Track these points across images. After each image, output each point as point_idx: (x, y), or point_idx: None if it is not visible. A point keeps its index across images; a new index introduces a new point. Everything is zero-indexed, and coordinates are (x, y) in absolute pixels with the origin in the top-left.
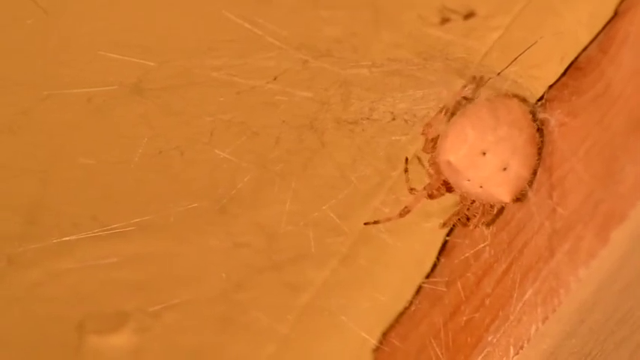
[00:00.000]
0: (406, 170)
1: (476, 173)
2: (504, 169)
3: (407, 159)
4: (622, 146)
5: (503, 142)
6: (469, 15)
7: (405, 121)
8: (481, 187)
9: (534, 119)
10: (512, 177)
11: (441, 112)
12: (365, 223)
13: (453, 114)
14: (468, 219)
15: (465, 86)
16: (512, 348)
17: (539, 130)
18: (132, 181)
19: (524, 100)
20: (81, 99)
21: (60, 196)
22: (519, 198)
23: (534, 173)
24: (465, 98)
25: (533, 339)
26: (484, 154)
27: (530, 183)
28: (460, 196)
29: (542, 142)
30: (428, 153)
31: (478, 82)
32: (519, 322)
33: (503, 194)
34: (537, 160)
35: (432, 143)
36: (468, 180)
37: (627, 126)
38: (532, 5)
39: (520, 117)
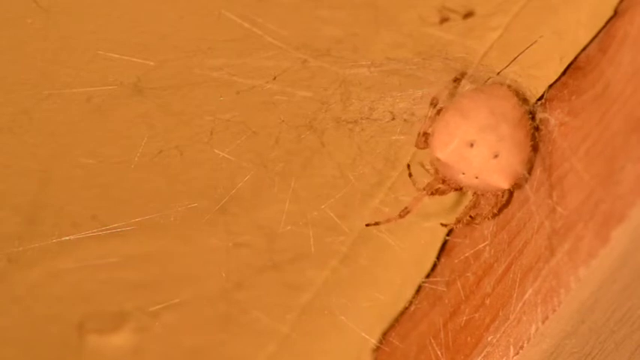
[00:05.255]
0: (410, 175)
1: (468, 165)
2: (495, 156)
3: (409, 165)
4: (622, 146)
5: (487, 130)
6: (468, 14)
7: (405, 120)
8: (477, 178)
9: (522, 103)
10: (504, 163)
11: (430, 105)
12: (366, 225)
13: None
14: (471, 217)
15: (454, 80)
16: (512, 348)
17: (527, 113)
18: (132, 181)
19: (508, 86)
20: (81, 98)
21: (60, 196)
22: (517, 183)
23: (530, 158)
24: (452, 94)
25: (533, 339)
26: (471, 145)
27: (529, 169)
28: (471, 191)
29: (533, 126)
30: (420, 148)
31: (462, 76)
32: (519, 322)
33: (500, 181)
34: (531, 144)
35: (424, 138)
36: (463, 173)
37: (627, 126)
38: (531, 5)
39: (503, 103)
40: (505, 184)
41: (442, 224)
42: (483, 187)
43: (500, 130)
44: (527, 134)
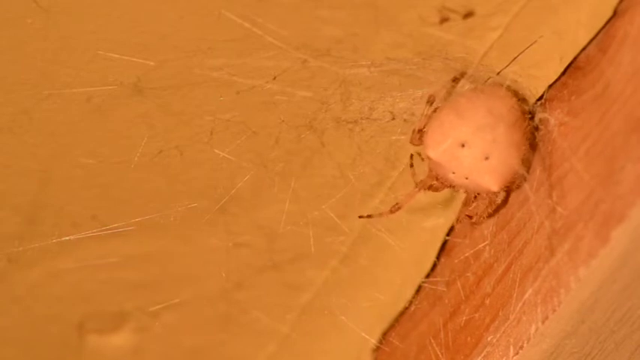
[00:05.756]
0: (411, 165)
1: (458, 165)
2: (486, 158)
3: (412, 155)
4: (622, 146)
5: (481, 131)
6: (468, 14)
7: (405, 120)
8: (467, 178)
9: (520, 104)
10: (495, 165)
11: (426, 102)
12: (359, 217)
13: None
14: (469, 217)
15: (454, 79)
16: (512, 348)
17: (525, 114)
18: (132, 181)
19: (507, 86)
20: (81, 98)
21: (60, 196)
22: (513, 188)
23: (526, 161)
24: (450, 93)
25: (533, 339)
26: (463, 145)
27: (525, 174)
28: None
29: (531, 129)
30: (414, 145)
31: (461, 76)
32: (519, 322)
33: (490, 183)
34: (527, 147)
35: (418, 135)
36: (453, 173)
37: (627, 125)
38: (531, 5)
39: (500, 103)
40: (494, 187)
41: (453, 225)
42: (473, 187)
43: (495, 130)
44: (523, 136)
